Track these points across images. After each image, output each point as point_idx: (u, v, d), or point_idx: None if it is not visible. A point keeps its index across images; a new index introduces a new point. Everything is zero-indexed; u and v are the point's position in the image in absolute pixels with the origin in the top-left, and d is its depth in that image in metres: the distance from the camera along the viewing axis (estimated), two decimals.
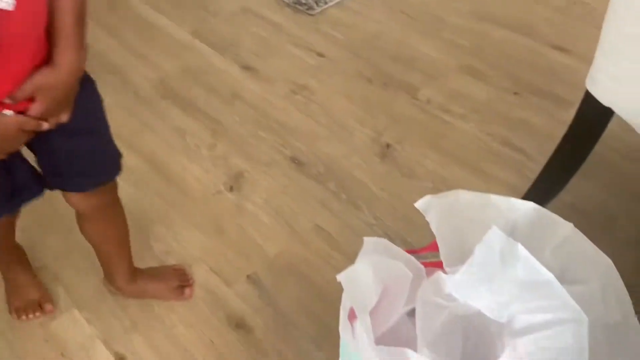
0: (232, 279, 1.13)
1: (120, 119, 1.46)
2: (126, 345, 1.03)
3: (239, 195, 1.28)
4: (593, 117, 1.00)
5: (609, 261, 0.67)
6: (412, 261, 0.71)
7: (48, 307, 1.07)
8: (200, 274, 1.13)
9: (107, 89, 1.43)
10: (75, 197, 0.89)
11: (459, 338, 0.71)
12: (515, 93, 1.49)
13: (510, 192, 1.23)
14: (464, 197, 0.73)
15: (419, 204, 0.71)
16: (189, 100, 1.52)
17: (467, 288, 0.66)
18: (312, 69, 1.60)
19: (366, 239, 0.70)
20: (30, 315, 1.06)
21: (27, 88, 0.68)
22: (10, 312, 1.07)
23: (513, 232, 0.74)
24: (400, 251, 0.71)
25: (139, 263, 1.10)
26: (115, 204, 0.98)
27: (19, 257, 1.09)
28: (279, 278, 1.13)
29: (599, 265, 0.67)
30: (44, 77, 0.69)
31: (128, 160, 1.35)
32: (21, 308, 1.06)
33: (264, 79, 1.58)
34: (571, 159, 1.05)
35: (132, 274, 1.06)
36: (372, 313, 0.68)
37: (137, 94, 1.55)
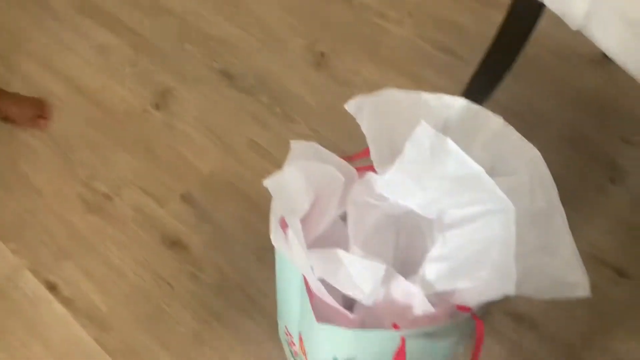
0: (165, 199, 1.09)
1: (42, 41, 1.34)
2: (57, 273, 1.00)
3: (167, 113, 1.22)
4: (524, 14, 0.98)
5: (537, 152, 0.66)
6: (344, 165, 0.69)
7: None
8: (130, 195, 1.09)
9: (23, 11, 1.30)
10: None
11: (390, 237, 0.71)
12: None
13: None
14: (394, 96, 0.70)
15: (349, 106, 0.68)
16: (108, 14, 1.41)
17: (397, 187, 0.65)
18: None
19: (294, 142, 0.67)
20: None
21: None
22: None
23: (444, 128, 0.72)
24: (332, 155, 0.69)
25: (67, 190, 1.05)
26: None
27: None
28: (215, 195, 1.10)
29: (527, 157, 0.67)
30: None
31: (50, 84, 1.27)
32: None
33: None
34: (503, 59, 1.04)
35: None
36: (305, 219, 0.67)
37: (54, 13, 1.42)
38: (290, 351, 0.83)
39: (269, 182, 0.63)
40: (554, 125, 1.21)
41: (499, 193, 0.59)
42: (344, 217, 0.69)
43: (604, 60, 1.26)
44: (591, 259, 1.04)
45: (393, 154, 0.67)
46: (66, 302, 0.97)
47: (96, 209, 1.07)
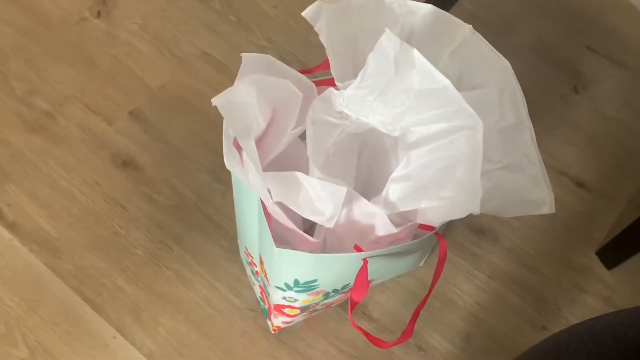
0: (112, 116, 1.02)
1: None
2: (0, 198, 0.93)
3: (109, 21, 1.11)
4: None
5: (507, 63, 0.63)
6: (302, 79, 0.64)
7: None
8: (75, 113, 1.01)
9: None
10: None
11: (352, 157, 0.67)
12: None
13: None
14: (356, 1, 0.64)
15: (306, 12, 0.62)
16: None
17: (359, 103, 0.60)
18: None
19: (245, 55, 0.61)
20: None
21: None
22: None
23: (409, 37, 0.68)
24: (288, 68, 0.63)
25: (2, 107, 0.96)
26: None
27: None
28: (166, 111, 1.03)
29: (496, 68, 0.63)
30: None
31: None
32: None
33: None
34: None
35: None
36: (260, 139, 0.62)
37: None
38: (252, 271, 0.81)
39: (217, 100, 0.58)
40: (520, 33, 1.17)
41: (467, 108, 0.55)
42: (303, 137, 0.64)
43: None
44: (551, 170, 1.04)
45: (355, 66, 0.62)
46: (12, 227, 0.91)
47: (38, 128, 1.00)
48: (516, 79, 0.62)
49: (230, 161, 0.57)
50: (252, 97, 0.58)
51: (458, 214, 0.58)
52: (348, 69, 0.62)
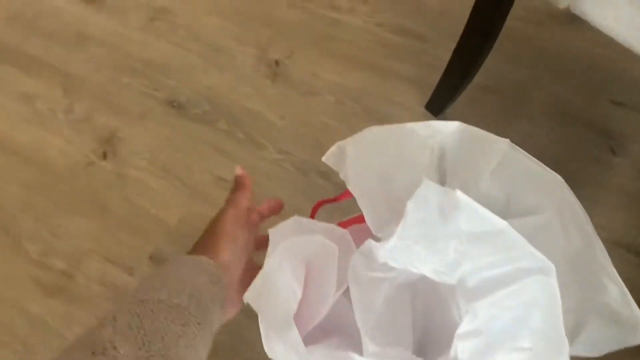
0: (132, 264, 0.96)
1: None
2: None
3: (116, 160, 1.08)
4: None
5: (559, 178, 0.55)
6: (332, 229, 0.57)
7: None
8: (93, 267, 0.96)
9: None
10: None
11: (406, 311, 0.59)
12: None
13: (417, 85, 1.11)
14: (377, 135, 0.58)
15: (327, 158, 0.56)
16: (27, 55, 1.25)
17: (404, 253, 0.53)
18: None
19: (272, 230, 0.54)
20: None
21: None
22: None
23: (441, 161, 0.62)
24: (315, 223, 0.57)
25: (19, 273, 0.91)
26: None
27: None
28: (188, 248, 0.98)
29: (547, 185, 0.56)
30: None
31: None
32: None
33: (113, 10, 1.31)
34: (483, 38, 0.92)
35: None
36: (300, 307, 0.55)
37: None
38: None
39: (248, 296, 0.51)
40: (537, 98, 1.12)
41: (533, 252, 0.48)
42: (346, 294, 0.58)
43: (576, 19, 1.17)
44: (606, 243, 0.96)
45: (392, 209, 0.55)
46: None
47: (56, 291, 0.94)
48: (573, 194, 0.56)
49: (271, 350, 0.51)
50: (284, 273, 0.52)
51: None
52: (384, 214, 0.56)
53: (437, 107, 1.08)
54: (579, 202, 0.56)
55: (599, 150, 1.05)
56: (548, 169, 0.57)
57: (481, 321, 0.51)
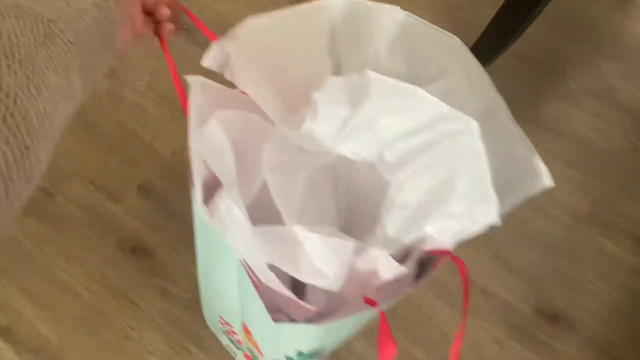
0: (118, 192, 0.89)
1: None
2: None
3: (112, 79, 0.99)
4: None
5: (459, 41, 0.50)
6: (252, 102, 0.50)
7: None
8: (75, 189, 0.88)
9: None
10: None
11: (328, 194, 0.56)
12: None
13: None
14: (258, 27, 0.50)
15: (207, 62, 0.50)
16: None
17: (318, 137, 0.50)
18: None
19: (190, 78, 0.47)
20: None
21: None
22: None
23: (333, 39, 0.54)
24: (240, 95, 0.50)
25: None
26: None
27: None
28: (179, 184, 0.90)
29: (448, 50, 0.51)
30: None
31: None
32: None
33: None
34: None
35: None
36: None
37: None
38: (230, 340, 0.70)
39: (194, 142, 0.46)
40: (578, 77, 1.04)
41: (453, 111, 0.45)
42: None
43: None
44: (627, 236, 0.90)
45: (292, 99, 0.50)
46: (5, 333, 0.78)
47: (33, 209, 0.87)
48: (474, 57, 0.50)
49: (207, 214, 0.47)
50: (223, 137, 0.46)
51: (474, 228, 0.48)
52: (284, 104, 0.51)
53: None
54: (480, 64, 0.51)
55: (634, 136, 0.98)
56: (447, 33, 0.51)
57: (405, 192, 0.49)
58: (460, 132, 0.46)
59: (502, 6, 0.88)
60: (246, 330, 0.61)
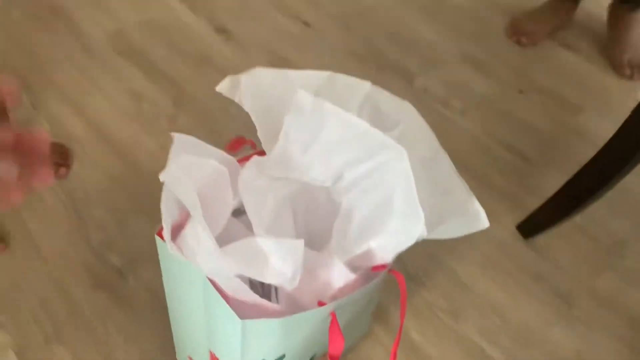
0: None
1: (67, 75, 1.23)
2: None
3: None
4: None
5: (409, 104, 0.68)
6: (224, 156, 0.63)
7: None
8: (147, 276, 0.94)
9: (54, 37, 1.19)
10: None
11: (288, 219, 0.67)
12: (520, 91, 1.34)
13: (510, 202, 1.09)
14: (264, 74, 0.68)
15: (220, 87, 0.66)
16: (150, 59, 1.30)
17: (285, 163, 0.63)
18: (295, 39, 1.40)
19: (176, 135, 0.60)
20: None
21: None
22: None
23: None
24: (210, 147, 0.62)
25: (74, 257, 0.89)
26: None
27: None
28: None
29: (401, 111, 0.68)
30: None
31: (73, 124, 1.15)
32: None
33: (240, 45, 1.37)
34: (604, 177, 0.90)
35: None
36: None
37: (87, 46, 1.31)
38: None
39: (165, 176, 0.57)
40: (633, 253, 1.07)
41: (388, 141, 0.59)
42: (235, 214, 0.65)
43: None
44: None
45: (277, 132, 0.64)
46: None
47: (104, 285, 0.92)
48: (421, 117, 0.68)
49: (174, 246, 0.56)
50: (187, 178, 0.57)
51: (406, 242, 0.59)
52: (272, 131, 0.63)
53: (529, 231, 1.05)
54: (426, 123, 0.68)
55: None
56: (401, 99, 0.69)
57: (352, 210, 0.62)
58: (393, 159, 0.59)
59: (574, 177, 0.93)
60: (213, 358, 0.67)
